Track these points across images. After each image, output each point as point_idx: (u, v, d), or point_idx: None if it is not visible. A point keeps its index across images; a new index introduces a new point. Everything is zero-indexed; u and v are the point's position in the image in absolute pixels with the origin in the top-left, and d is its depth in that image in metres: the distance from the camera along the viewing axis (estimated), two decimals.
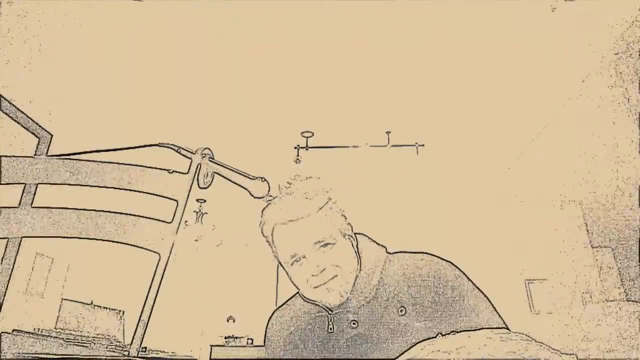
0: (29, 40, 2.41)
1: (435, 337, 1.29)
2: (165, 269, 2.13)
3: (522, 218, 2.33)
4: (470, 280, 1.59)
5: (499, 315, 1.54)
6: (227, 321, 2.33)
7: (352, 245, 1.64)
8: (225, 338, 2.37)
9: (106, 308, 2.32)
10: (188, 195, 2.20)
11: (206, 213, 2.34)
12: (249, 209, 1.94)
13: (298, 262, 1.59)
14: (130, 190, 2.21)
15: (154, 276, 2.12)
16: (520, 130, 2.42)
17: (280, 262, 1.66)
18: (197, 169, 2.18)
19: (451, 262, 1.62)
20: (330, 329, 1.60)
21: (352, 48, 2.41)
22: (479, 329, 1.34)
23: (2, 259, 2.11)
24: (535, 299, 2.22)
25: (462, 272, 1.60)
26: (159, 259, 2.14)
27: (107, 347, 2.24)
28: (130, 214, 2.19)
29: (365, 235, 1.70)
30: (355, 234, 1.68)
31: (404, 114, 2.43)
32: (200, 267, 2.27)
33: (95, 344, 2.24)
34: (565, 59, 2.39)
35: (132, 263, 2.21)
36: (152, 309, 2.09)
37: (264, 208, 1.70)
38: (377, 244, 1.69)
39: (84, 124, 2.38)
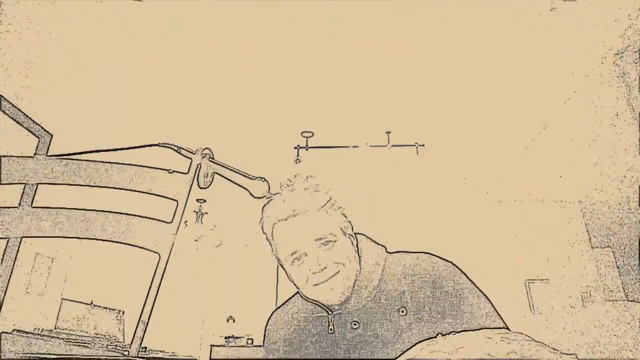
0: (29, 40, 2.41)
1: (435, 337, 1.29)
2: (165, 269, 2.13)
3: (522, 218, 2.33)
4: (470, 280, 1.59)
5: (499, 315, 1.54)
6: (227, 321, 2.32)
7: (353, 244, 1.64)
8: (225, 338, 2.37)
9: (106, 308, 2.32)
10: (188, 195, 2.20)
11: (206, 213, 2.34)
12: (249, 209, 1.93)
13: (298, 261, 1.59)
14: (130, 190, 2.21)
15: (154, 276, 2.12)
16: (520, 130, 2.42)
17: (279, 261, 1.66)
18: (197, 169, 2.18)
19: (451, 262, 1.62)
20: (331, 329, 1.60)
21: (352, 48, 2.41)
22: (479, 329, 1.34)
23: (2, 259, 2.11)
24: (535, 299, 2.22)
25: (462, 272, 1.60)
26: (159, 259, 2.14)
27: (107, 347, 2.24)
28: (130, 214, 2.19)
29: (365, 235, 1.70)
30: (355, 233, 1.68)
31: (404, 114, 2.43)
32: (200, 267, 2.27)
33: (95, 344, 2.24)
34: (565, 59, 2.39)
35: (132, 263, 2.21)
36: (152, 309, 2.09)
37: (265, 205, 1.70)
38: (377, 243, 1.69)
39: (84, 124, 2.38)
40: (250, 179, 2.05)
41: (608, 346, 2.06)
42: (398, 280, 1.60)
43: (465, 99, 2.41)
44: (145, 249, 2.16)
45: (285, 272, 1.65)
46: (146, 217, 2.19)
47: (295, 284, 1.64)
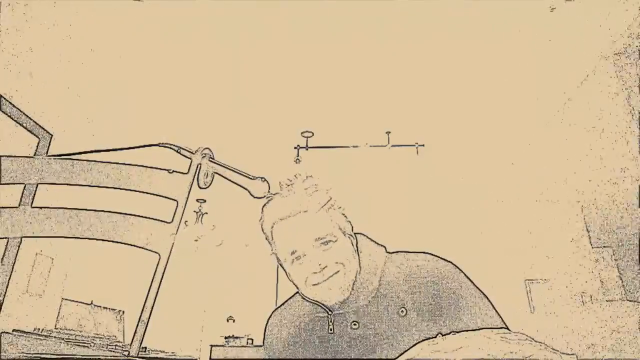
0: (29, 40, 2.41)
1: (435, 337, 1.29)
2: (165, 269, 2.13)
3: (522, 218, 2.33)
4: (470, 280, 1.59)
5: (499, 315, 1.54)
6: (227, 321, 2.33)
7: (352, 244, 1.64)
8: (225, 338, 2.37)
9: (106, 308, 2.32)
10: (188, 195, 2.20)
11: (206, 213, 2.35)
12: (249, 209, 1.93)
13: (298, 260, 1.59)
14: (130, 190, 2.21)
15: (154, 276, 2.12)
16: (520, 130, 2.42)
17: (279, 260, 1.66)
18: (197, 169, 2.18)
19: (451, 262, 1.62)
20: (331, 329, 1.60)
21: (352, 48, 2.41)
22: (479, 329, 1.34)
23: (2, 259, 2.11)
24: (535, 299, 2.22)
25: (462, 272, 1.60)
26: (159, 259, 2.14)
27: (107, 347, 2.24)
28: (130, 214, 2.19)
29: (364, 235, 1.70)
30: (355, 233, 1.68)
31: (404, 114, 2.43)
32: (200, 267, 2.27)
33: (95, 344, 2.24)
34: (565, 59, 2.39)
35: (132, 263, 2.21)
36: (152, 309, 2.09)
37: (265, 205, 1.70)
38: (377, 243, 1.69)
39: (84, 124, 2.38)
40: (250, 179, 2.05)
41: (608, 346, 2.06)
42: (398, 280, 1.61)
43: (465, 99, 2.41)
44: (145, 249, 2.16)
45: (285, 271, 1.65)
46: (146, 217, 2.19)
47: (295, 284, 1.64)
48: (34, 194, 2.18)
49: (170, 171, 2.22)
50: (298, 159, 2.40)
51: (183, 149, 2.20)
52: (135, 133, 2.31)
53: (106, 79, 2.43)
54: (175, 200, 2.20)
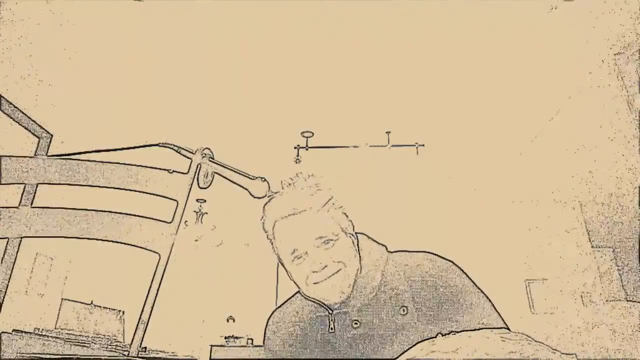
0: (29, 40, 2.41)
1: (435, 337, 1.29)
2: (165, 269, 2.13)
3: (522, 218, 2.33)
4: (471, 280, 1.59)
5: (499, 315, 1.54)
6: (227, 321, 2.32)
7: (353, 243, 1.64)
8: (225, 338, 2.37)
9: (106, 308, 2.32)
10: (188, 195, 2.20)
11: (206, 213, 2.34)
12: (249, 209, 1.93)
13: (299, 259, 1.59)
14: (130, 190, 2.21)
15: (154, 276, 2.12)
16: (520, 130, 2.42)
17: (280, 259, 1.66)
18: (197, 169, 2.18)
19: (452, 262, 1.62)
20: (331, 329, 1.60)
21: (352, 48, 2.41)
22: (479, 329, 1.34)
23: (2, 259, 2.11)
24: (535, 299, 2.22)
25: (462, 271, 1.60)
26: (159, 259, 2.14)
27: (107, 347, 2.24)
28: (130, 214, 2.19)
29: (365, 234, 1.70)
30: (355, 233, 1.68)
31: (404, 114, 2.43)
32: (200, 267, 2.27)
33: (95, 344, 2.24)
34: (565, 59, 2.39)
35: (132, 263, 2.21)
36: (152, 309, 2.09)
37: (266, 203, 1.70)
38: (378, 243, 1.69)
39: (84, 124, 2.38)
40: (250, 179, 2.05)
41: (608, 346, 2.06)
42: (399, 280, 1.61)
43: (465, 99, 2.42)
44: (145, 249, 2.16)
45: (286, 270, 1.65)
46: (146, 217, 2.19)
47: (295, 283, 1.64)
48: (34, 194, 2.18)
49: (170, 171, 2.22)
50: (298, 159, 2.40)
51: (183, 149, 2.20)
52: (135, 133, 2.31)
53: (106, 78, 2.43)
54: (175, 200, 2.20)
